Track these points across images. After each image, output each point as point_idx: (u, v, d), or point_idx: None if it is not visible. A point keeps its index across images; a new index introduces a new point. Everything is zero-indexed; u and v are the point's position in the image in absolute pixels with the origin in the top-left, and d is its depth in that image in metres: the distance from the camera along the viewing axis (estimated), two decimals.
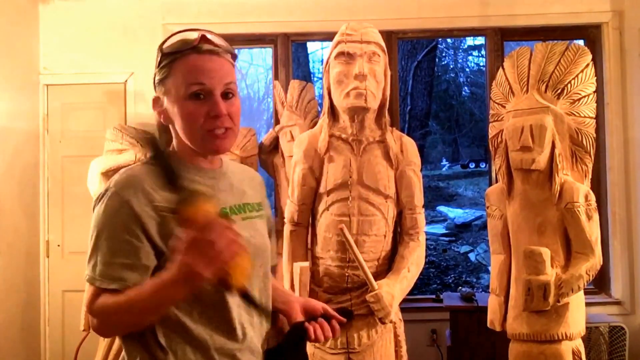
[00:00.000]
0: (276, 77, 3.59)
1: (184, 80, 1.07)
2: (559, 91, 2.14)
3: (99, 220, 1.03)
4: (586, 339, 2.83)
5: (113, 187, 1.05)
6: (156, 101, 1.14)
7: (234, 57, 1.16)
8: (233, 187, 1.18)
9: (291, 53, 3.65)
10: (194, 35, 1.08)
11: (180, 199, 0.95)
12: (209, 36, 1.10)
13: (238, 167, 1.30)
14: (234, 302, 1.06)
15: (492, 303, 2.33)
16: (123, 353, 1.08)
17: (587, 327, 2.25)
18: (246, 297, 1.05)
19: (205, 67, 1.08)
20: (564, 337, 2.08)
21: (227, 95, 1.10)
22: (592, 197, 2.09)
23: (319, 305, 1.21)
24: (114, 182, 1.06)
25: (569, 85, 2.13)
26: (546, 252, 2.04)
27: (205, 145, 1.10)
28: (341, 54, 2.14)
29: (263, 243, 1.19)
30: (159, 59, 1.11)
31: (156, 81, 1.12)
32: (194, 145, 1.11)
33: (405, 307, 2.65)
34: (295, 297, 1.28)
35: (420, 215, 2.24)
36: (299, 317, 1.19)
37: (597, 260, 2.06)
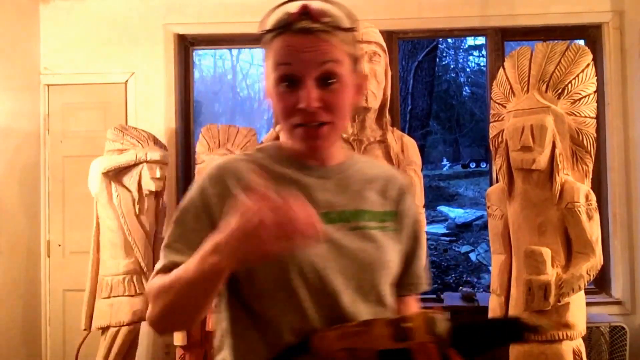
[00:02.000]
0: None
1: (273, 62, 0.91)
2: (559, 91, 2.14)
3: (181, 202, 0.96)
4: (587, 339, 2.82)
5: (205, 173, 0.96)
6: (265, 83, 0.98)
7: (349, 31, 0.92)
8: (348, 190, 0.97)
9: None
10: (291, 10, 0.90)
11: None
12: (313, 7, 0.89)
13: (370, 167, 1.04)
14: None
15: (493, 303, 2.33)
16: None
17: (587, 327, 2.25)
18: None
19: (295, 46, 0.88)
20: (565, 337, 2.08)
21: (325, 80, 0.89)
22: (593, 197, 2.09)
23: None
24: (207, 169, 0.97)
25: (569, 85, 2.13)
26: (547, 252, 2.04)
27: (297, 142, 0.93)
28: None
29: (377, 261, 0.94)
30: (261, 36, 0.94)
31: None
32: (289, 139, 0.95)
33: None
34: None
35: (421, 215, 2.24)
36: None
37: (597, 260, 2.06)
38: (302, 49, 0.88)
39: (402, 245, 1.00)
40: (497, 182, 2.38)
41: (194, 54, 3.75)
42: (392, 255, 0.97)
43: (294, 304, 0.88)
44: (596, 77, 2.17)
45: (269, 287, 0.89)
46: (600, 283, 3.42)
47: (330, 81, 0.89)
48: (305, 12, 0.89)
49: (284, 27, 0.89)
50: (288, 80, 0.90)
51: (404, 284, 1.03)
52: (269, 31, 0.91)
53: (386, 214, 0.98)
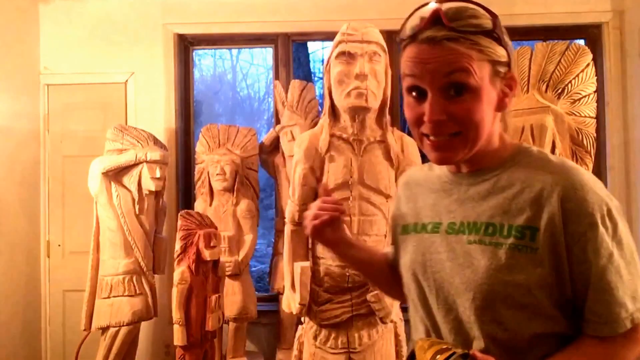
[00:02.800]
0: (277, 77, 3.59)
1: (403, 72, 0.90)
2: (559, 91, 2.15)
3: None
4: None
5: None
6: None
7: (485, 34, 0.84)
8: (475, 199, 0.90)
9: (292, 53, 3.66)
10: (424, 14, 0.86)
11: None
12: (444, 12, 0.84)
13: (518, 172, 0.89)
14: None
15: None
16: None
17: None
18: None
19: (419, 57, 0.85)
20: None
21: (454, 91, 0.84)
22: None
23: None
24: None
25: (569, 85, 2.13)
26: None
27: (426, 152, 0.91)
28: (342, 53, 2.14)
29: (474, 282, 0.85)
30: None
31: None
32: (420, 148, 0.96)
33: (406, 306, 2.64)
34: None
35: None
36: None
37: None
38: (426, 61, 0.84)
39: (545, 268, 0.83)
40: None
41: (193, 53, 3.75)
42: (510, 277, 0.83)
43: (414, 309, 1.01)
44: (596, 77, 2.18)
45: (407, 292, 1.04)
46: None
47: (462, 91, 0.84)
48: (436, 18, 0.84)
49: (412, 36, 0.87)
50: (416, 91, 0.88)
51: (584, 319, 0.86)
52: (401, 40, 0.91)
53: (525, 228, 0.84)
